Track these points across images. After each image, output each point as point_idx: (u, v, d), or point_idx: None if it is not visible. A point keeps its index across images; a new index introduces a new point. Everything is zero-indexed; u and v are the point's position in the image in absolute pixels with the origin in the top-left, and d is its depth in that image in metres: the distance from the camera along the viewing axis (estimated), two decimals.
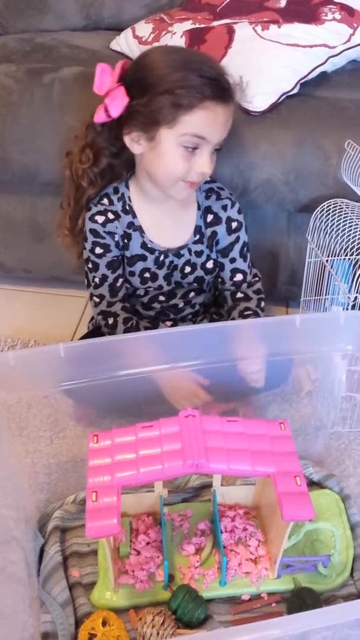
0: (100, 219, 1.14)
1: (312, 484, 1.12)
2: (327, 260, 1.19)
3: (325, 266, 1.19)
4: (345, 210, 1.19)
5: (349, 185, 1.17)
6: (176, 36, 1.35)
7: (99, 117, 1.06)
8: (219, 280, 1.24)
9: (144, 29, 1.45)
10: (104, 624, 0.90)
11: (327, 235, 1.17)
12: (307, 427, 1.21)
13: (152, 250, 1.16)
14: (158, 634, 0.88)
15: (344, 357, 1.09)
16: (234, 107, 1.07)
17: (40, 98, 1.30)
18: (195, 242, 1.18)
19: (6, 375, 0.96)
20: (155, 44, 1.39)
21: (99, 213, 1.14)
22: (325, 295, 1.22)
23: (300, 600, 0.93)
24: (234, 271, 1.21)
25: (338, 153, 1.20)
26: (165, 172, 1.07)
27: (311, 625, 0.74)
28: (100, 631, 0.89)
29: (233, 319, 1.20)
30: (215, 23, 1.35)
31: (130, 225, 1.15)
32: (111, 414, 1.13)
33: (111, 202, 1.15)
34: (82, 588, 0.98)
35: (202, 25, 1.35)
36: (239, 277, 1.22)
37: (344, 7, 1.34)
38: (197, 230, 1.18)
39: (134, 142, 1.06)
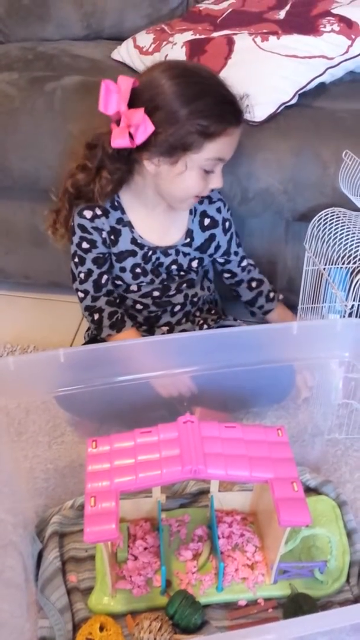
0: (88, 214, 1.14)
1: (309, 490, 1.13)
2: (324, 269, 1.20)
3: (322, 274, 1.20)
4: (342, 220, 1.20)
5: (347, 194, 1.19)
6: (177, 47, 1.37)
7: (121, 142, 1.04)
8: (229, 276, 1.31)
9: (145, 39, 1.47)
10: (101, 629, 0.90)
11: (325, 244, 1.18)
12: (304, 433, 1.22)
13: (141, 246, 1.18)
14: (155, 639, 0.88)
15: (341, 364, 1.10)
16: None
17: (42, 106, 1.31)
18: (184, 245, 1.21)
19: (5, 381, 0.97)
20: (157, 54, 1.40)
21: (88, 208, 1.14)
22: (323, 303, 1.23)
23: (297, 605, 0.94)
24: (240, 260, 1.30)
25: (336, 163, 1.21)
26: (181, 192, 1.11)
27: (306, 630, 0.74)
28: (98, 636, 0.89)
29: (261, 306, 1.33)
30: (215, 34, 1.36)
31: (120, 221, 1.16)
32: (110, 420, 1.14)
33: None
34: (80, 593, 0.98)
35: (203, 36, 1.36)
36: (244, 262, 1.31)
37: (343, 19, 1.35)
38: (189, 233, 1.20)
39: (153, 165, 1.07)
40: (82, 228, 1.15)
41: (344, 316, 1.20)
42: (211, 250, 1.24)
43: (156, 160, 1.07)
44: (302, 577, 0.98)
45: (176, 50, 1.36)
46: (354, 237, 1.14)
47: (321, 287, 1.23)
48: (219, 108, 1.05)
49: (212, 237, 1.22)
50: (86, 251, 1.17)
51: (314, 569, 0.98)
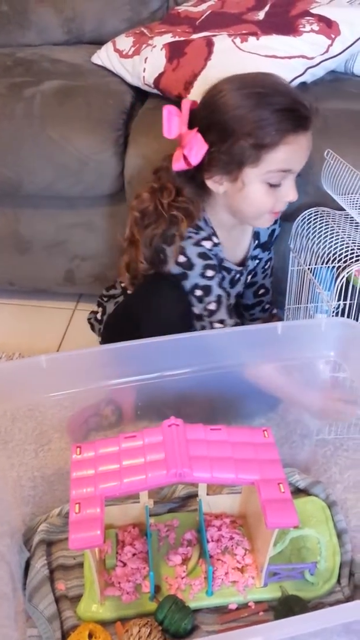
0: (207, 244, 1.11)
1: (299, 491, 1.12)
2: (309, 269, 1.19)
3: (315, 275, 1.20)
4: (326, 219, 1.20)
5: (330, 193, 1.19)
6: (156, 49, 1.36)
7: (178, 165, 1.04)
8: (251, 276, 1.28)
9: (125, 42, 1.46)
10: (90, 636, 0.89)
11: (309, 244, 1.18)
12: (293, 434, 1.21)
13: (228, 270, 1.17)
14: None
15: (327, 363, 1.09)
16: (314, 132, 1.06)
17: (21, 112, 1.31)
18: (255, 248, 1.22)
19: None
20: (136, 57, 1.40)
21: (205, 239, 1.11)
22: (310, 303, 1.23)
23: (288, 608, 0.93)
24: (266, 262, 1.29)
25: (318, 162, 1.21)
26: (252, 209, 1.08)
27: (296, 631, 0.74)
28: None
29: (253, 313, 1.34)
30: (194, 36, 1.36)
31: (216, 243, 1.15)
32: (97, 424, 1.13)
33: (203, 228, 1.13)
34: (69, 601, 0.97)
35: (182, 39, 1.36)
36: (268, 265, 1.29)
37: (322, 19, 1.35)
38: (255, 236, 1.22)
39: (216, 184, 1.06)
40: (204, 256, 1.10)
41: (331, 316, 1.20)
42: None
43: (218, 178, 1.05)
44: (293, 579, 0.97)
45: (156, 52, 1.36)
46: (337, 236, 1.14)
47: (307, 287, 1.23)
48: (277, 116, 0.99)
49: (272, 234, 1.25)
50: (211, 278, 1.11)
51: (304, 570, 0.97)
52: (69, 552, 1.02)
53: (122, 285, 1.22)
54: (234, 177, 1.03)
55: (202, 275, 1.10)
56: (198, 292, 1.10)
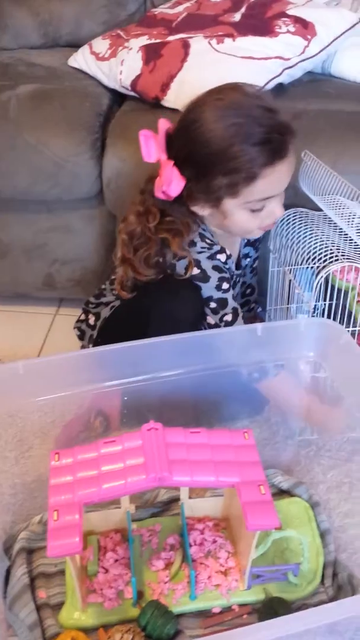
0: (222, 257, 1.11)
1: (282, 493, 1.12)
2: (289, 269, 1.19)
3: (295, 275, 1.20)
4: (305, 220, 1.20)
5: (307, 194, 1.19)
6: (133, 51, 1.36)
7: (160, 195, 1.04)
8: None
9: (101, 45, 1.46)
10: None
11: (289, 244, 1.18)
12: (277, 435, 1.21)
13: (232, 276, 1.17)
14: None
15: (308, 363, 1.09)
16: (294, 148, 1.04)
17: None
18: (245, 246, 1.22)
19: None
20: (113, 60, 1.39)
21: (219, 252, 1.10)
22: (291, 303, 1.23)
23: (272, 610, 0.93)
24: (253, 261, 1.29)
25: (296, 163, 1.21)
26: (238, 230, 1.09)
27: (278, 633, 0.73)
28: None
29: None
30: (170, 38, 1.36)
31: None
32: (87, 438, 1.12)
33: (216, 243, 1.12)
34: (50, 609, 0.96)
35: (158, 41, 1.36)
36: (255, 263, 1.30)
37: (298, 20, 1.36)
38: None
39: (199, 208, 1.06)
40: (219, 269, 1.09)
41: (313, 316, 1.20)
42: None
43: (199, 207, 1.05)
44: (276, 580, 0.97)
45: (132, 55, 1.36)
46: (316, 237, 1.14)
47: (288, 288, 1.23)
48: (253, 151, 0.98)
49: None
50: (226, 291, 1.11)
51: (287, 572, 0.97)
52: (50, 560, 1.00)
53: (115, 292, 1.20)
54: (215, 204, 1.04)
55: (218, 288, 1.09)
56: (213, 305, 1.10)
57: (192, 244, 1.09)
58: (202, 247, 1.09)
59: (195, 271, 1.08)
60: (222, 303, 1.10)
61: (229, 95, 1.02)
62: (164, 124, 1.05)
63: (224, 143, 0.98)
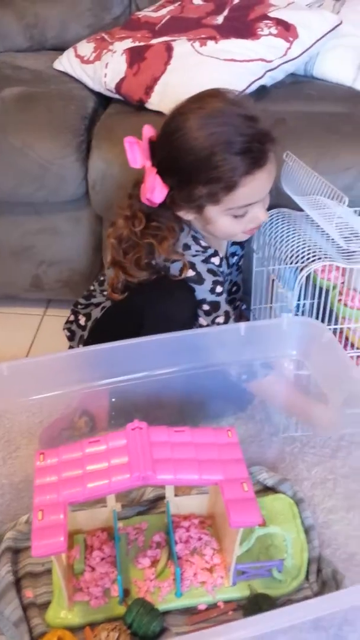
0: (216, 260, 1.13)
1: (267, 489, 1.13)
2: (272, 269, 1.21)
3: (278, 275, 1.21)
4: (287, 220, 1.21)
5: (290, 194, 1.20)
6: (117, 54, 1.37)
7: (145, 201, 1.06)
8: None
9: (86, 48, 1.47)
10: None
11: (272, 244, 1.19)
12: (262, 432, 1.23)
13: (222, 274, 1.18)
14: None
15: (291, 362, 1.11)
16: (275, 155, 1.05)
17: None
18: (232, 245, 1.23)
19: None
20: (97, 63, 1.40)
21: (212, 256, 1.12)
22: (275, 302, 1.24)
23: (257, 606, 0.94)
24: (239, 259, 1.29)
25: (278, 164, 1.22)
26: (222, 234, 1.11)
27: (262, 629, 0.74)
28: None
29: None
30: (154, 41, 1.37)
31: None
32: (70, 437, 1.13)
33: (209, 246, 1.13)
34: (37, 608, 0.96)
35: (142, 44, 1.37)
36: (241, 261, 1.30)
37: (280, 22, 1.37)
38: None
39: (184, 213, 1.07)
40: (214, 273, 1.11)
41: (297, 314, 1.21)
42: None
43: (183, 212, 1.07)
44: (261, 577, 0.98)
45: (116, 58, 1.37)
46: (299, 237, 1.15)
47: (271, 287, 1.24)
48: (233, 161, 0.99)
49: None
50: (220, 294, 1.12)
51: (272, 568, 0.98)
52: (36, 560, 1.01)
53: (105, 293, 1.21)
54: (198, 211, 1.06)
55: (212, 291, 1.11)
56: (206, 307, 1.12)
57: (186, 247, 1.11)
58: (196, 251, 1.11)
59: (190, 273, 1.10)
60: (215, 306, 1.12)
61: (210, 103, 1.03)
62: (147, 131, 1.06)
63: (206, 152, 1.00)
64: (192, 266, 1.10)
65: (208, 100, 1.04)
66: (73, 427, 1.12)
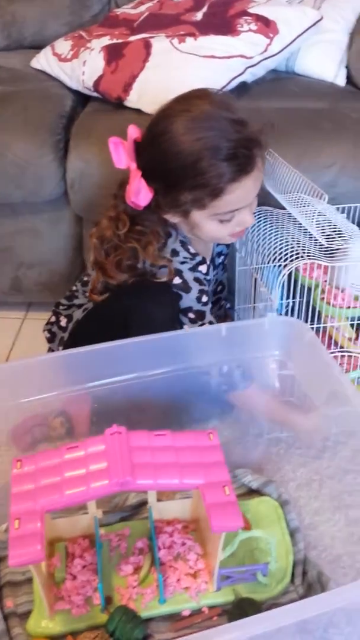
0: (203, 268, 1.11)
1: (252, 492, 1.11)
2: (255, 268, 1.19)
3: (260, 274, 1.20)
4: (270, 218, 1.20)
5: (272, 193, 1.19)
6: (94, 52, 1.35)
7: (130, 203, 1.03)
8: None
9: (63, 46, 1.45)
10: None
11: (254, 243, 1.18)
12: (247, 434, 1.21)
13: (208, 282, 1.16)
14: None
15: (274, 361, 1.09)
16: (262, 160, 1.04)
17: None
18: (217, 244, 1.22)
19: None
20: (75, 61, 1.38)
21: (200, 264, 1.11)
22: (259, 302, 1.23)
23: (242, 611, 0.92)
24: (225, 258, 1.29)
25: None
26: (208, 237, 1.09)
27: (247, 634, 0.72)
28: None
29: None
30: (132, 38, 1.36)
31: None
32: (43, 435, 1.11)
33: (198, 253, 1.12)
34: (18, 618, 0.94)
35: (120, 41, 1.35)
36: (225, 260, 1.29)
37: (260, 18, 1.36)
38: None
39: (170, 217, 1.05)
40: (199, 281, 1.10)
41: (282, 314, 1.20)
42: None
43: (170, 215, 1.05)
44: (245, 581, 0.96)
45: (94, 55, 1.35)
46: (281, 235, 1.14)
47: (255, 287, 1.23)
48: (219, 167, 0.97)
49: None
50: (205, 304, 1.11)
51: (256, 572, 0.96)
52: (17, 569, 0.99)
53: (87, 295, 1.19)
54: (183, 216, 1.04)
55: (198, 300, 1.11)
56: (191, 315, 1.11)
57: (175, 253, 1.09)
58: (184, 257, 1.09)
59: (177, 280, 1.08)
60: (201, 315, 1.11)
61: (197, 106, 1.01)
62: (133, 132, 1.04)
63: (190, 158, 0.97)
64: (179, 274, 1.08)
65: (195, 102, 1.01)
66: (47, 425, 1.10)
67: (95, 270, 1.11)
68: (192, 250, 1.11)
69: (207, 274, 1.12)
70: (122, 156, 1.03)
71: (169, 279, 1.08)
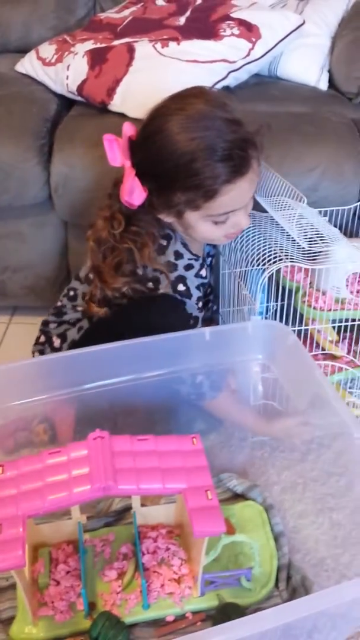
0: (203, 272, 1.11)
1: (237, 496, 1.11)
2: (238, 271, 1.20)
3: (243, 277, 1.20)
4: (253, 222, 1.20)
5: (255, 196, 1.19)
6: (78, 56, 1.35)
7: (124, 202, 1.02)
8: None
9: (48, 50, 1.45)
10: None
11: (237, 246, 1.18)
12: (232, 438, 1.21)
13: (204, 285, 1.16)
14: None
15: (257, 365, 1.09)
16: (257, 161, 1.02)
17: None
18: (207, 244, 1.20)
19: None
20: (59, 65, 1.38)
21: (202, 267, 1.10)
22: (243, 305, 1.23)
23: (226, 616, 0.92)
24: (211, 261, 1.27)
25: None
26: (202, 238, 1.08)
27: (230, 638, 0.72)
28: None
29: None
30: (116, 42, 1.36)
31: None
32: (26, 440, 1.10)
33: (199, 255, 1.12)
34: (1, 624, 0.94)
35: (103, 45, 1.35)
36: (212, 262, 1.28)
37: (243, 23, 1.36)
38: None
39: (163, 216, 1.04)
40: (199, 288, 1.10)
41: (266, 317, 1.20)
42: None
43: (164, 214, 1.03)
44: (229, 586, 0.96)
45: (78, 60, 1.35)
46: (264, 239, 1.14)
47: (239, 290, 1.23)
48: (214, 168, 0.96)
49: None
50: (201, 310, 1.12)
51: (240, 577, 0.96)
52: (1, 574, 0.98)
53: (78, 309, 1.16)
54: (177, 217, 1.03)
55: (197, 307, 1.10)
56: (191, 322, 1.10)
57: (179, 255, 1.08)
58: (189, 259, 1.08)
59: (181, 287, 1.07)
60: (197, 321, 1.11)
61: (193, 104, 0.99)
62: (128, 129, 1.02)
63: (185, 158, 0.96)
64: (183, 280, 1.07)
65: (191, 100, 1.00)
66: (31, 430, 1.09)
67: (94, 276, 1.09)
68: (193, 251, 1.10)
69: (205, 277, 1.12)
70: (116, 153, 1.00)
71: (173, 286, 1.06)
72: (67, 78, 1.36)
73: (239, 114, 1.01)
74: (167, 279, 1.06)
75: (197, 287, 1.10)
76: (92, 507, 1.08)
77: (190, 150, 0.96)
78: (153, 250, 1.05)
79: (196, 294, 1.09)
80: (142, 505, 1.03)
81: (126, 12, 1.46)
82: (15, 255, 1.44)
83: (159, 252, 1.06)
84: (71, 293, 1.18)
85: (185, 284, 1.08)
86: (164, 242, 1.08)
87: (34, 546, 1.00)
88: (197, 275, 1.10)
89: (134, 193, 0.99)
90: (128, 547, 1.02)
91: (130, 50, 1.31)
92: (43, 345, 1.18)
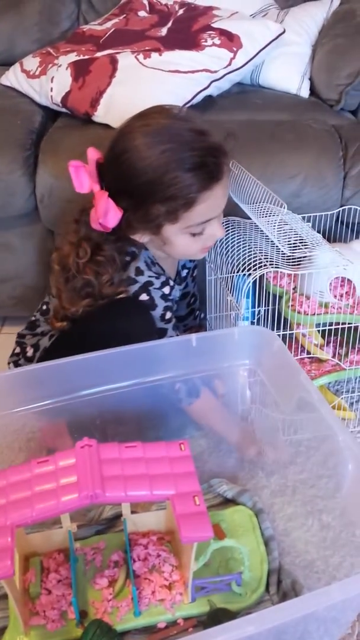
0: (167, 289, 1.11)
1: (227, 502, 1.12)
2: (223, 277, 1.21)
3: (227, 283, 1.21)
4: (237, 228, 1.22)
5: (237, 203, 1.20)
6: (62, 68, 1.37)
7: (96, 227, 1.02)
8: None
9: (32, 63, 1.46)
10: None
11: (222, 252, 1.19)
12: (221, 443, 1.22)
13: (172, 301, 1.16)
14: None
15: (244, 370, 1.10)
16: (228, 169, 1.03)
17: None
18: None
19: None
20: (43, 77, 1.39)
21: (164, 284, 1.10)
22: (230, 311, 1.24)
23: (217, 621, 0.91)
24: (193, 270, 1.30)
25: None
26: (179, 254, 1.09)
27: None
28: None
29: (186, 323, 1.34)
30: (98, 54, 1.37)
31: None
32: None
33: (163, 273, 1.12)
34: None
35: (86, 57, 1.37)
36: (195, 272, 1.30)
37: (224, 32, 1.38)
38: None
39: (140, 236, 1.04)
40: (165, 298, 1.09)
41: (253, 323, 1.21)
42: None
43: (139, 235, 1.04)
44: (220, 591, 0.97)
45: (61, 72, 1.36)
46: (248, 245, 1.15)
47: (225, 296, 1.24)
48: (187, 177, 0.97)
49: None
50: (169, 321, 1.11)
51: (231, 582, 0.96)
52: None
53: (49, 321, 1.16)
54: (155, 231, 1.03)
55: (162, 318, 1.10)
56: (156, 329, 1.10)
57: (139, 272, 1.08)
58: (149, 276, 1.09)
59: (144, 297, 1.08)
60: (162, 333, 1.11)
61: (156, 120, 1.00)
62: (93, 154, 1.02)
63: (158, 171, 0.97)
64: (147, 290, 1.08)
65: (153, 116, 1.01)
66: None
67: (57, 297, 1.10)
68: (154, 270, 1.10)
69: (169, 294, 1.12)
70: (83, 180, 1.00)
71: (135, 297, 1.06)
72: (52, 90, 1.37)
73: (207, 126, 1.02)
74: (126, 293, 1.07)
75: (162, 298, 1.09)
76: (83, 516, 1.08)
77: (162, 163, 0.96)
78: (111, 276, 1.05)
79: (161, 304, 1.09)
80: (133, 512, 1.03)
81: (109, 24, 1.48)
82: (2, 266, 1.44)
83: (121, 269, 1.07)
84: (44, 307, 1.19)
85: (149, 294, 1.08)
86: (127, 258, 1.08)
87: (25, 556, 1.00)
88: (161, 287, 1.10)
89: (109, 214, 0.99)
90: (119, 555, 1.02)
91: (113, 61, 1.33)
92: (18, 356, 1.19)
